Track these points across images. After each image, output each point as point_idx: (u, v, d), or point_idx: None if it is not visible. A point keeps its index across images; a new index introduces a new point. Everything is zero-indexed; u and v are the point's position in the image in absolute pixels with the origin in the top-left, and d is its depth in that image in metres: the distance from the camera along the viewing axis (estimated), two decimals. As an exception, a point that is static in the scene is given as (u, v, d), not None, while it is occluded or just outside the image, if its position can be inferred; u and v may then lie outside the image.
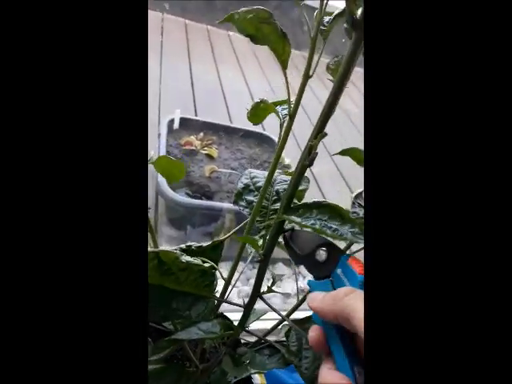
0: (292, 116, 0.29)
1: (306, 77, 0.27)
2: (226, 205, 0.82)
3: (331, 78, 0.29)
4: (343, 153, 0.31)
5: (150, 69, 0.24)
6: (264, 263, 0.32)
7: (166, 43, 1.74)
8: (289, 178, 0.40)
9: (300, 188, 0.37)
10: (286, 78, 0.29)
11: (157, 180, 0.86)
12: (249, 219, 0.34)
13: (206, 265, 0.35)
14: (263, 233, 0.32)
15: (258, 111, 0.33)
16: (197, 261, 0.34)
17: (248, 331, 0.39)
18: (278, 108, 0.32)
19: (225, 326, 0.36)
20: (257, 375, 0.50)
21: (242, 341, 0.51)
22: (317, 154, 0.26)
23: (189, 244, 0.43)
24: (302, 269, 1.00)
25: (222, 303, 0.40)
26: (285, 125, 0.30)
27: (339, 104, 0.26)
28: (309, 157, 0.26)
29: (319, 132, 0.26)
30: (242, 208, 0.37)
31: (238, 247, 0.38)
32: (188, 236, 0.83)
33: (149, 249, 0.32)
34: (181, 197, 0.82)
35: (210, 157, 1.07)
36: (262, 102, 0.32)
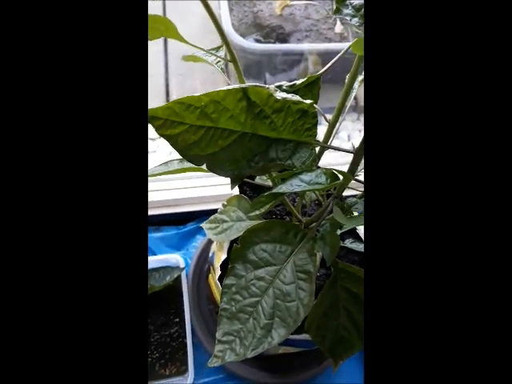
0: None
1: None
2: (307, 46, 0.68)
3: None
4: None
5: None
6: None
7: None
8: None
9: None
10: None
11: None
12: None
13: (307, 101, 0.27)
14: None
15: None
16: (296, 97, 0.27)
17: (358, 180, 0.33)
18: None
19: (332, 176, 0.30)
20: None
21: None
22: None
23: (278, 84, 0.35)
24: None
25: (324, 150, 0.34)
26: None
27: None
28: None
29: None
30: (348, 17, 0.26)
31: (351, 73, 0.29)
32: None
33: (235, 86, 0.25)
34: (249, 42, 0.71)
35: (278, -10, 0.88)
36: None
